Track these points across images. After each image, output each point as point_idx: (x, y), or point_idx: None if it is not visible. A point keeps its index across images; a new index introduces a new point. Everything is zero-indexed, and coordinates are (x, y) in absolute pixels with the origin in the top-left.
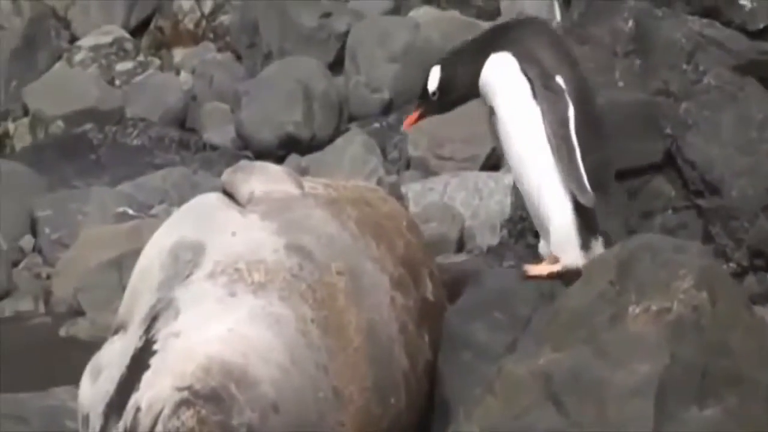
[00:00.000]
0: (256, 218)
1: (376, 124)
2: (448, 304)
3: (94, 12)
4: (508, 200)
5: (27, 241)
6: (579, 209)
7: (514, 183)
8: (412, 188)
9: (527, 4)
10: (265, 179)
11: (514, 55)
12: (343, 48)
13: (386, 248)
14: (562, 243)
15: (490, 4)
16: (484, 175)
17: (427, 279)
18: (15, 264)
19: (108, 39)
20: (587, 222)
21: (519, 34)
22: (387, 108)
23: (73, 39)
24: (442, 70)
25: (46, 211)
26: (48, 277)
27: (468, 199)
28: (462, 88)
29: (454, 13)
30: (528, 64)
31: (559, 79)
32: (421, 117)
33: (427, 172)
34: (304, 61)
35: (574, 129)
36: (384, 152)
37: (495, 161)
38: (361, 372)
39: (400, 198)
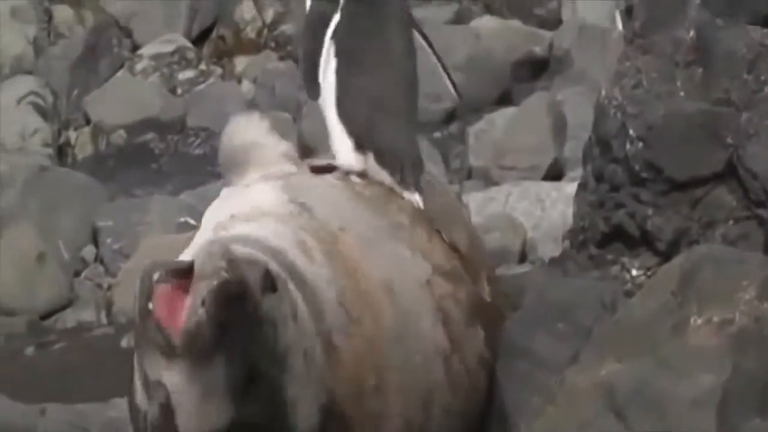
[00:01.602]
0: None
1: (438, 134)
2: (508, 313)
3: (156, 21)
4: (570, 210)
5: (89, 251)
6: (342, 114)
7: (576, 193)
8: (474, 198)
9: (588, 14)
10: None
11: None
12: None
13: (440, 240)
14: (336, 140)
15: (552, 13)
16: (547, 185)
17: (485, 281)
18: (77, 274)
19: (170, 48)
20: (354, 127)
21: None
22: (449, 118)
23: (135, 48)
24: None
25: (108, 221)
26: (109, 287)
27: (530, 210)
28: None
29: (516, 23)
30: None
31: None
32: None
33: (489, 181)
34: None
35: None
36: (446, 162)
37: (557, 171)
38: (374, 306)
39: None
